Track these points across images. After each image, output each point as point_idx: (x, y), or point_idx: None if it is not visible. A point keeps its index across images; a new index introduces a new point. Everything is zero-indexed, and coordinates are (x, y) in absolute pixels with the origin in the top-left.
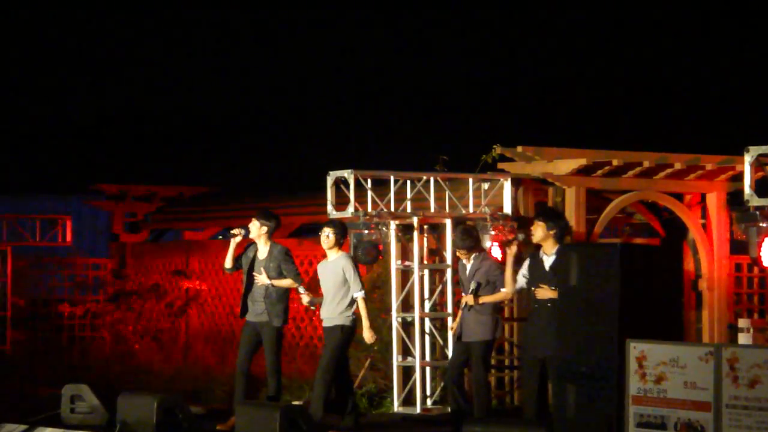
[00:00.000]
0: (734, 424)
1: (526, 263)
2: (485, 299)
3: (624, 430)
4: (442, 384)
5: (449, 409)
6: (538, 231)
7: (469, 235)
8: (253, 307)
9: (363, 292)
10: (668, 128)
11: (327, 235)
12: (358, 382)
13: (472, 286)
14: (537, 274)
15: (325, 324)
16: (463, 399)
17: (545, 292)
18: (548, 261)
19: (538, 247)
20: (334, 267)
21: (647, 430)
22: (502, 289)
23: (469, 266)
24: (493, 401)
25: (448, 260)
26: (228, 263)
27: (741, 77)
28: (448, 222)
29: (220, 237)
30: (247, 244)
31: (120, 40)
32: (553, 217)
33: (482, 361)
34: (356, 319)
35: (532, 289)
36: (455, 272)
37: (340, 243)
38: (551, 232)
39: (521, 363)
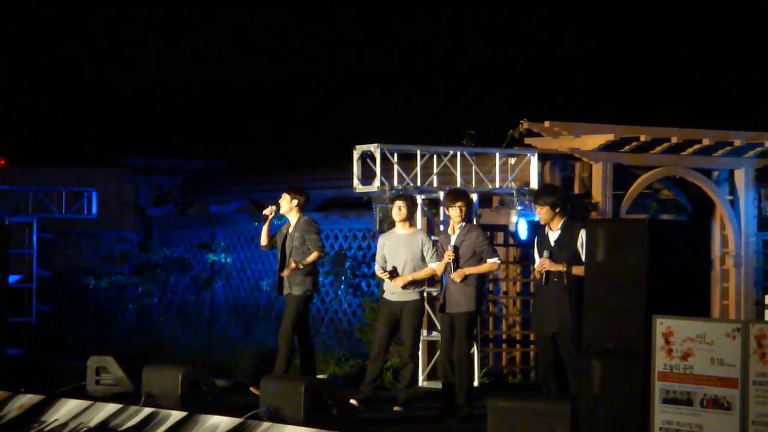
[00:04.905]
0: (761, 401)
1: (536, 240)
2: (470, 270)
3: (650, 406)
4: None
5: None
6: (543, 213)
7: (462, 197)
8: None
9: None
10: (696, 104)
11: (399, 208)
12: None
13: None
14: (544, 249)
15: (395, 299)
16: (451, 373)
17: (546, 265)
18: (554, 236)
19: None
20: (410, 242)
21: (673, 406)
22: (489, 260)
23: (454, 237)
24: (518, 376)
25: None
26: (263, 240)
27: None
28: (476, 197)
29: (256, 223)
30: (281, 221)
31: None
32: (550, 194)
33: (465, 333)
34: (423, 290)
35: (533, 264)
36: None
37: (412, 217)
38: (556, 210)
39: (535, 339)
